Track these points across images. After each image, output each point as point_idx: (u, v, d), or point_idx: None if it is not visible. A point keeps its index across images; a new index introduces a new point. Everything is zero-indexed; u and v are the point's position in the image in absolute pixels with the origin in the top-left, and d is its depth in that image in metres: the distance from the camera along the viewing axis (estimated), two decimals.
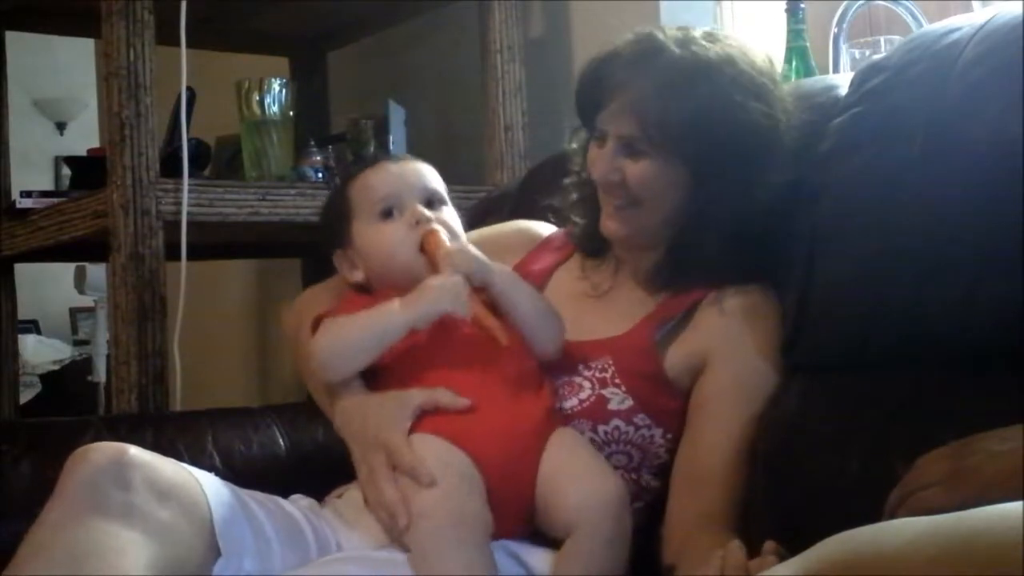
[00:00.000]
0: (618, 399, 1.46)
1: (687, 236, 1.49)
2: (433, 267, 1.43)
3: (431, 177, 1.52)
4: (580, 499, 1.34)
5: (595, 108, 1.50)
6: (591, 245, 1.61)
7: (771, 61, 1.53)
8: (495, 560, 1.29)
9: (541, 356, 1.46)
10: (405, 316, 1.39)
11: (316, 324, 1.46)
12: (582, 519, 1.33)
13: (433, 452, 1.33)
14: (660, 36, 1.47)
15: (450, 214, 1.50)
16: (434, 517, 1.26)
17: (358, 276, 1.51)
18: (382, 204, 1.48)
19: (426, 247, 1.45)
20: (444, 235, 1.45)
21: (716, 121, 1.43)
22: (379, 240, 1.47)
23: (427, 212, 1.46)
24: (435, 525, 1.26)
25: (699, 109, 1.42)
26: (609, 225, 1.52)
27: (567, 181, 1.64)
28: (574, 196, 1.62)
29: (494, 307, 1.44)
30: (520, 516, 1.36)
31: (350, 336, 1.42)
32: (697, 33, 1.49)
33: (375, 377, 1.44)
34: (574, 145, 1.62)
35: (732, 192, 1.45)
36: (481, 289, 1.44)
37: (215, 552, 1.27)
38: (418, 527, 1.27)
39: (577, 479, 1.36)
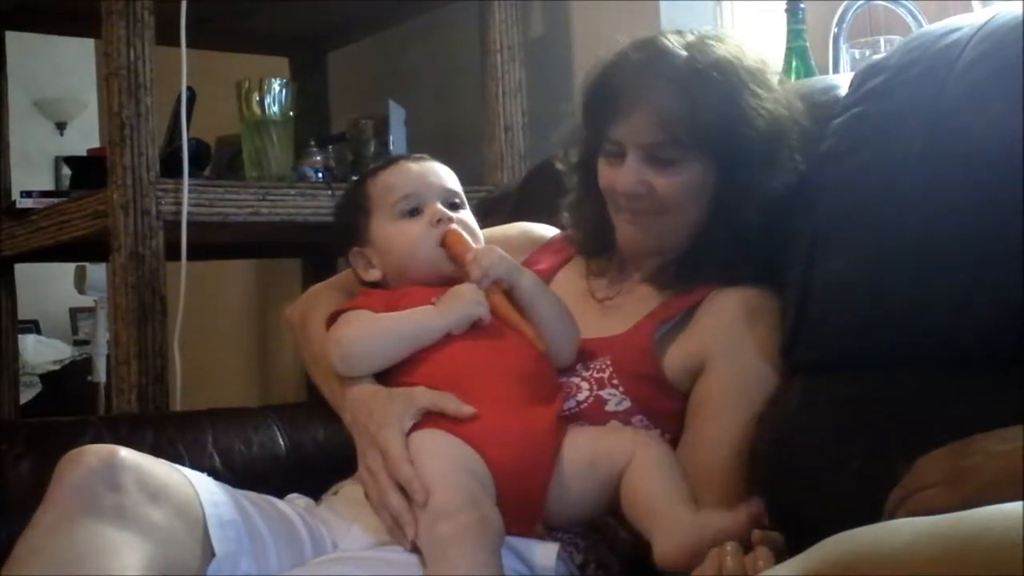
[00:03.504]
0: (616, 400, 1.46)
1: (707, 236, 1.50)
2: (457, 265, 1.45)
3: (450, 178, 1.53)
4: (623, 441, 1.36)
5: (608, 120, 1.49)
6: (594, 252, 1.61)
7: (764, 60, 1.53)
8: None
9: (555, 362, 1.47)
10: (446, 320, 1.40)
11: (332, 320, 1.45)
12: (632, 454, 1.34)
13: (444, 450, 1.32)
14: (665, 41, 1.48)
15: (468, 216, 1.52)
16: (454, 518, 1.24)
17: (375, 275, 1.51)
18: (404, 203, 1.49)
19: (448, 246, 1.46)
20: (466, 236, 1.47)
21: (739, 116, 1.44)
22: (400, 238, 1.48)
23: (448, 211, 1.48)
24: (456, 526, 1.23)
25: (723, 106, 1.43)
26: (627, 231, 1.52)
27: (566, 201, 1.64)
28: (576, 215, 1.62)
29: (517, 309, 1.45)
30: (528, 518, 1.35)
31: (384, 333, 1.42)
32: (696, 35, 1.49)
33: (388, 376, 1.44)
34: (573, 160, 1.62)
35: (756, 185, 1.46)
36: (507, 292, 1.45)
37: (209, 552, 1.27)
38: (436, 528, 1.24)
39: (611, 432, 1.40)
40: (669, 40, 1.48)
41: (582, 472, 1.36)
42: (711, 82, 1.44)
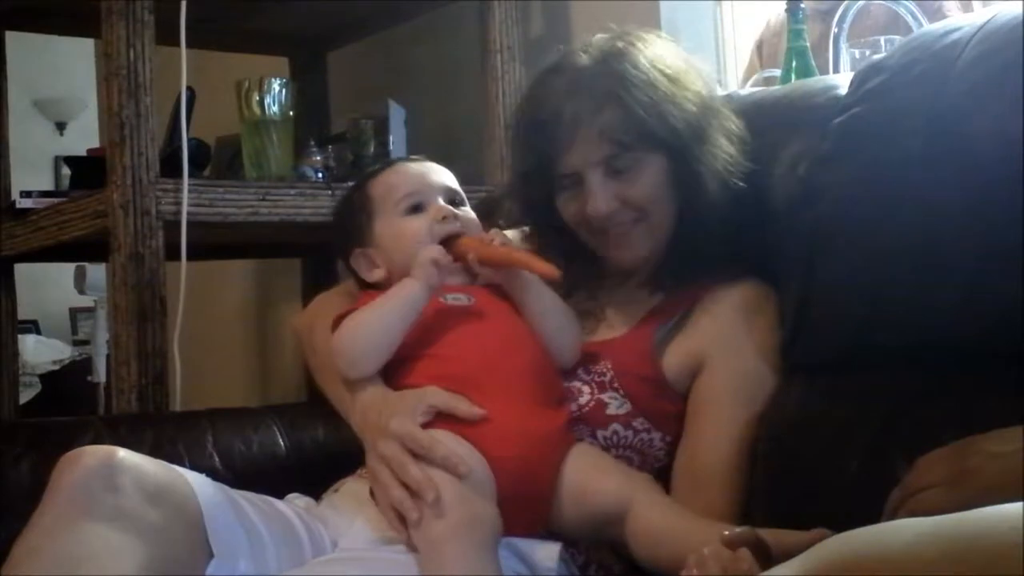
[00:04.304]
0: (617, 403, 1.46)
1: (682, 231, 1.50)
2: (494, 265, 1.46)
3: (449, 178, 1.54)
4: (616, 488, 1.36)
5: (554, 157, 1.48)
6: (580, 282, 1.59)
7: (691, 60, 1.55)
8: (500, 562, 1.28)
9: (558, 359, 1.47)
10: (421, 282, 1.41)
11: (335, 325, 1.45)
12: (632, 494, 1.34)
13: None
14: (575, 57, 1.50)
15: (470, 212, 1.53)
16: (449, 517, 1.25)
17: (378, 275, 1.51)
18: (407, 201, 1.50)
19: (460, 250, 1.46)
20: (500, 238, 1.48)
21: (665, 106, 1.45)
22: (404, 235, 1.48)
23: (450, 208, 1.49)
24: (451, 525, 1.24)
25: (649, 99, 1.44)
26: (617, 254, 1.52)
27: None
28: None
29: (518, 310, 1.46)
30: (532, 519, 1.35)
31: (373, 322, 1.42)
32: (603, 41, 1.52)
33: (394, 377, 1.44)
34: (515, 216, 1.63)
35: (705, 167, 1.46)
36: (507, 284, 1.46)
37: (208, 553, 1.27)
38: (432, 527, 1.25)
39: (614, 468, 1.40)
40: (579, 56, 1.50)
41: (572, 499, 1.36)
42: (633, 81, 1.45)
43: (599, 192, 1.46)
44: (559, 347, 1.47)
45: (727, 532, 1.14)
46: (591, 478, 1.37)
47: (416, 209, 1.49)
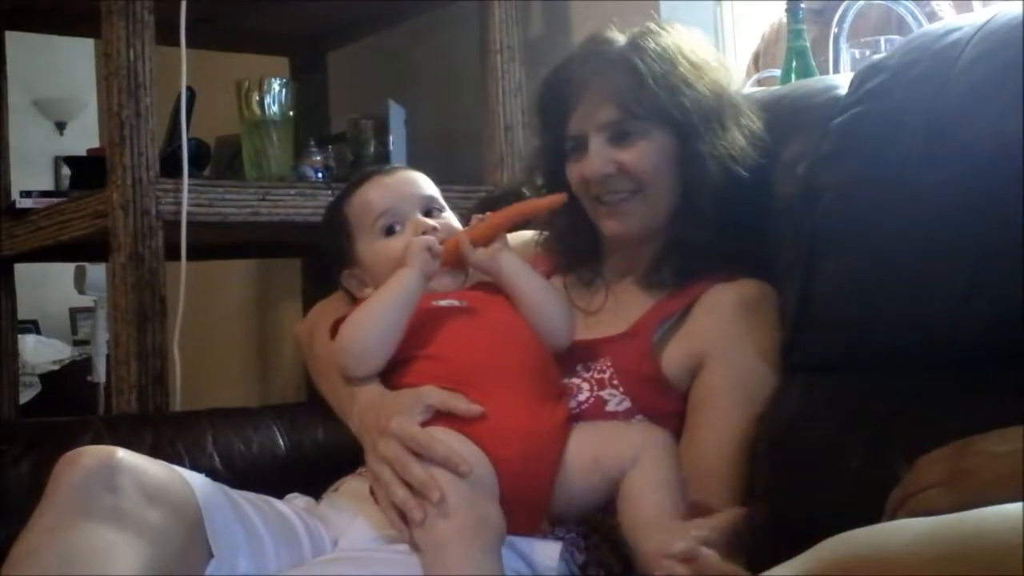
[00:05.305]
0: (616, 400, 1.46)
1: (681, 221, 1.51)
2: (460, 255, 1.46)
3: (425, 185, 1.53)
4: (631, 440, 1.34)
5: (564, 117, 1.53)
6: (579, 262, 1.60)
7: (720, 58, 1.58)
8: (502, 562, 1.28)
9: (552, 347, 1.47)
10: (413, 268, 1.41)
11: (334, 330, 1.46)
12: (637, 455, 1.32)
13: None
14: (606, 33, 1.54)
15: (450, 217, 1.52)
16: (454, 518, 1.24)
17: (369, 294, 1.51)
18: (383, 220, 1.49)
19: (446, 254, 1.46)
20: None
21: (682, 79, 1.47)
22: (386, 257, 1.48)
23: (429, 221, 1.48)
24: (455, 526, 1.24)
25: (666, 74, 1.47)
26: (611, 225, 1.53)
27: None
28: (556, 231, 1.62)
29: (506, 297, 1.46)
30: (532, 516, 1.35)
31: (374, 315, 1.42)
32: (637, 28, 1.54)
33: (392, 380, 1.43)
34: (539, 181, 1.64)
35: (711, 146, 1.47)
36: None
37: (207, 553, 1.26)
38: (436, 527, 1.24)
39: (619, 430, 1.39)
40: (610, 32, 1.54)
41: (586, 467, 1.35)
42: (651, 55, 1.48)
43: (597, 153, 1.49)
44: (551, 331, 1.46)
45: (675, 547, 1.16)
46: (605, 443, 1.35)
47: (394, 228, 1.49)
